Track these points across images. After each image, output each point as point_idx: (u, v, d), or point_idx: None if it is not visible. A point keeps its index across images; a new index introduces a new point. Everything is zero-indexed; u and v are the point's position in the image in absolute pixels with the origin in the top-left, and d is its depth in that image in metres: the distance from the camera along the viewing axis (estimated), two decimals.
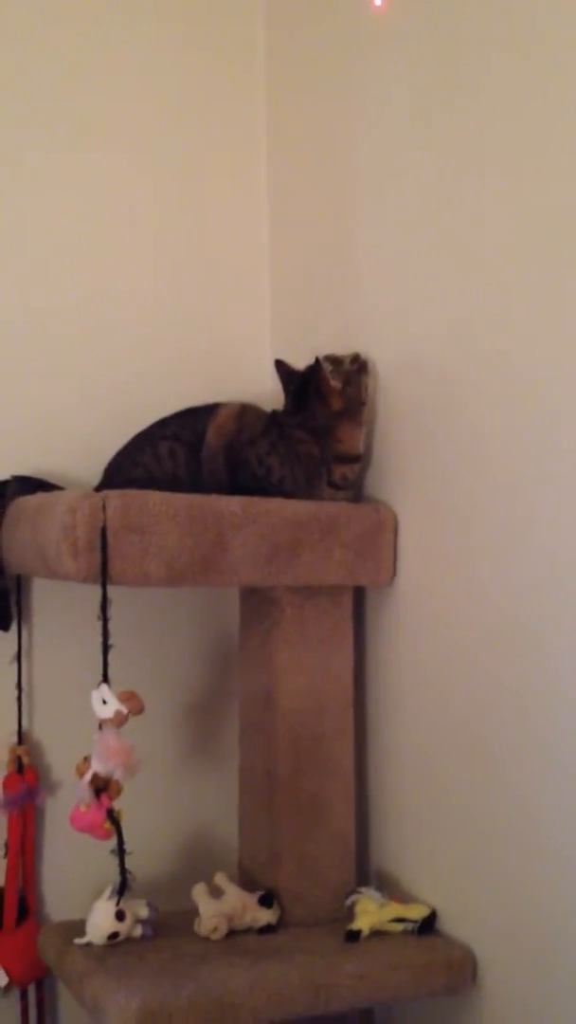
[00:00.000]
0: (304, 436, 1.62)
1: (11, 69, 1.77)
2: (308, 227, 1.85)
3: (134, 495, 1.48)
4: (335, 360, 1.61)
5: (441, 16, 1.51)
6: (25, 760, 1.70)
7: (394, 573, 1.63)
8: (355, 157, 1.71)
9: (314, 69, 1.82)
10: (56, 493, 1.55)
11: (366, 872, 1.69)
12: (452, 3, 1.49)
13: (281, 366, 1.66)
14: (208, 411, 1.68)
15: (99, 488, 1.65)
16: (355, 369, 1.62)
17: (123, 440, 1.68)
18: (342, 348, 1.66)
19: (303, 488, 1.62)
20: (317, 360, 1.60)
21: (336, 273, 1.76)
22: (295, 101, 1.87)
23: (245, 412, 1.68)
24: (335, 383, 1.59)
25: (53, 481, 1.69)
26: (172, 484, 1.60)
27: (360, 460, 1.64)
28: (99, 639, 1.44)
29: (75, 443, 1.76)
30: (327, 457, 1.61)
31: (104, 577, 1.42)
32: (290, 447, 1.62)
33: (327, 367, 1.59)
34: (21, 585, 1.72)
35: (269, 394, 1.77)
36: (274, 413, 1.68)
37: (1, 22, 1.77)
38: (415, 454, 1.59)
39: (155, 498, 1.48)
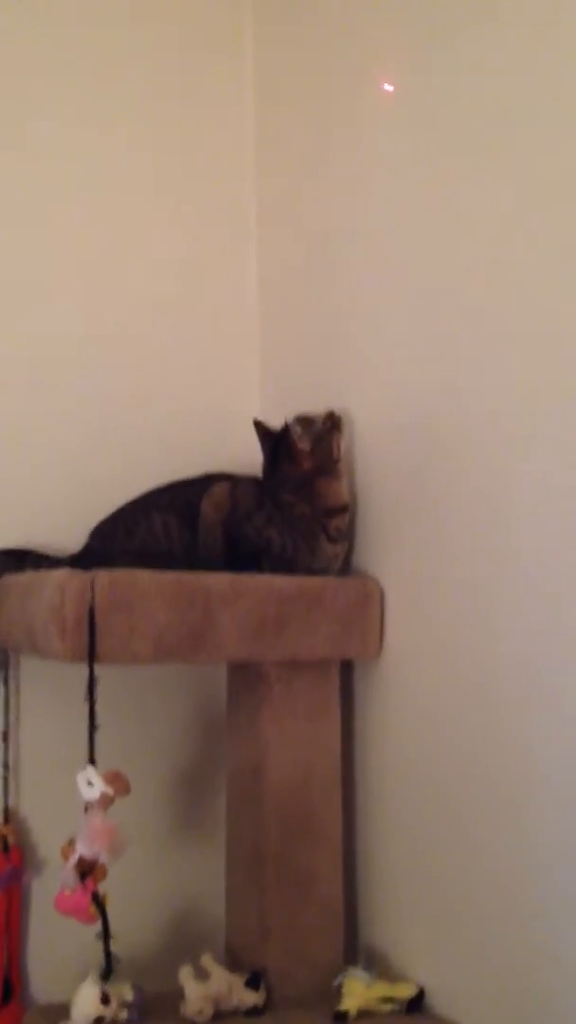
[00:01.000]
0: (293, 498, 1.64)
1: None
2: (297, 288, 1.87)
3: (122, 574, 1.48)
4: (306, 421, 1.64)
5: (433, 86, 1.55)
6: (11, 839, 1.69)
7: (381, 645, 1.63)
8: (342, 221, 1.73)
9: (303, 133, 1.85)
10: (44, 572, 1.55)
11: (355, 947, 1.68)
12: (452, 77, 1.53)
13: (259, 427, 1.68)
14: (201, 484, 1.70)
15: (86, 554, 1.66)
16: (327, 428, 1.64)
17: (107, 505, 1.69)
18: (328, 406, 1.68)
19: (304, 550, 1.63)
20: (286, 423, 1.63)
21: (323, 334, 1.79)
22: (284, 162, 1.90)
23: (237, 486, 1.69)
24: (303, 446, 1.62)
25: (37, 548, 1.69)
26: (167, 558, 1.61)
27: (348, 509, 1.67)
28: (86, 716, 1.44)
29: (60, 509, 1.76)
30: (318, 512, 1.63)
31: (91, 658, 1.42)
32: (285, 513, 1.64)
33: (296, 430, 1.62)
34: (8, 661, 1.71)
35: (258, 452, 1.78)
36: (261, 482, 1.69)
37: None
38: (400, 525, 1.60)
39: (143, 576, 1.48)
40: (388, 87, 1.55)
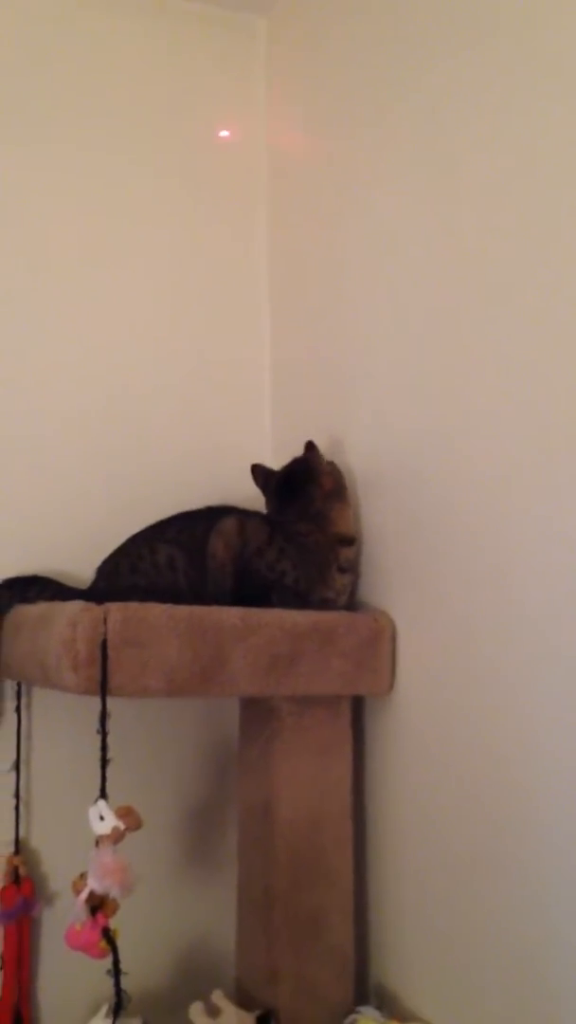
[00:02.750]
0: (306, 527, 1.65)
1: None
2: (306, 337, 1.90)
3: (135, 608, 1.49)
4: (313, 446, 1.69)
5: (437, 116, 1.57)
6: (22, 871, 1.69)
7: (392, 682, 1.63)
8: (349, 274, 1.76)
9: (314, 197, 1.89)
10: (58, 605, 1.57)
11: (365, 987, 1.66)
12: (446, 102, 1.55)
13: (258, 469, 1.71)
14: (206, 518, 1.70)
15: (93, 589, 1.67)
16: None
17: (119, 536, 1.70)
18: (338, 450, 1.70)
19: (316, 581, 1.65)
20: (312, 444, 1.66)
21: (330, 375, 1.81)
22: (295, 222, 1.95)
23: (247, 522, 1.70)
24: (327, 467, 1.67)
25: (48, 575, 1.71)
26: (172, 593, 1.61)
27: (355, 542, 1.68)
28: (97, 748, 1.44)
29: (70, 540, 1.78)
30: (331, 541, 1.65)
31: (104, 691, 1.43)
32: (297, 544, 1.65)
33: (319, 452, 1.67)
34: (21, 693, 1.72)
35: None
36: (269, 518, 1.70)
37: None
38: (410, 561, 1.60)
39: (156, 611, 1.49)
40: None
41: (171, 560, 1.66)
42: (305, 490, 1.65)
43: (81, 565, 1.73)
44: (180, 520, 1.71)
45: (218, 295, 1.97)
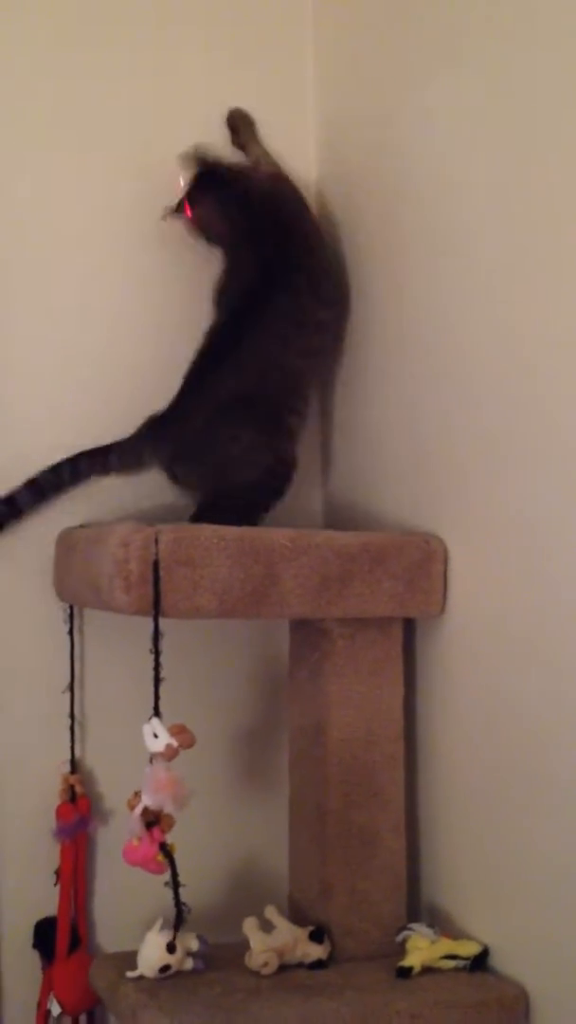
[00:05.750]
0: None
1: None
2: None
3: (186, 529, 1.49)
4: None
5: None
6: (78, 789, 1.71)
7: (444, 604, 1.62)
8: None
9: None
10: (108, 526, 1.57)
11: (417, 906, 1.68)
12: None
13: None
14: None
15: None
16: None
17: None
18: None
19: None
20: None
21: None
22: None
23: None
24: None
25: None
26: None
27: None
28: (150, 669, 1.45)
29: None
30: None
31: (156, 611, 1.43)
32: None
33: None
34: (73, 616, 1.73)
35: None
36: None
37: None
38: (466, 484, 1.58)
39: (207, 531, 1.49)
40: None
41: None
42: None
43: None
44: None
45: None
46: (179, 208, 1.71)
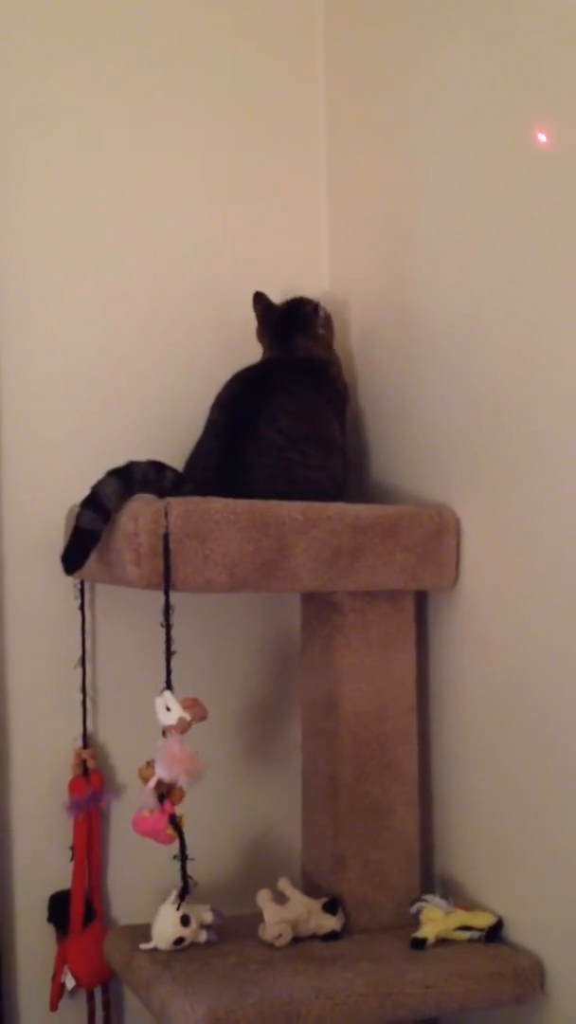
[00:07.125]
0: None
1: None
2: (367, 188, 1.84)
3: (196, 502, 1.48)
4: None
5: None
6: (90, 763, 1.72)
7: (457, 576, 1.61)
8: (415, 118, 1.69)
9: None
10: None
11: (431, 877, 1.68)
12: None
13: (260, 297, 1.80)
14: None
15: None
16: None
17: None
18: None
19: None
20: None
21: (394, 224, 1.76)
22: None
23: None
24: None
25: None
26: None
27: None
28: (161, 642, 1.45)
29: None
30: None
31: (167, 584, 1.43)
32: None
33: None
34: (84, 590, 1.73)
35: None
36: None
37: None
38: (477, 456, 1.57)
39: (216, 505, 1.48)
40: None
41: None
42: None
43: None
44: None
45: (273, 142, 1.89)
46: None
